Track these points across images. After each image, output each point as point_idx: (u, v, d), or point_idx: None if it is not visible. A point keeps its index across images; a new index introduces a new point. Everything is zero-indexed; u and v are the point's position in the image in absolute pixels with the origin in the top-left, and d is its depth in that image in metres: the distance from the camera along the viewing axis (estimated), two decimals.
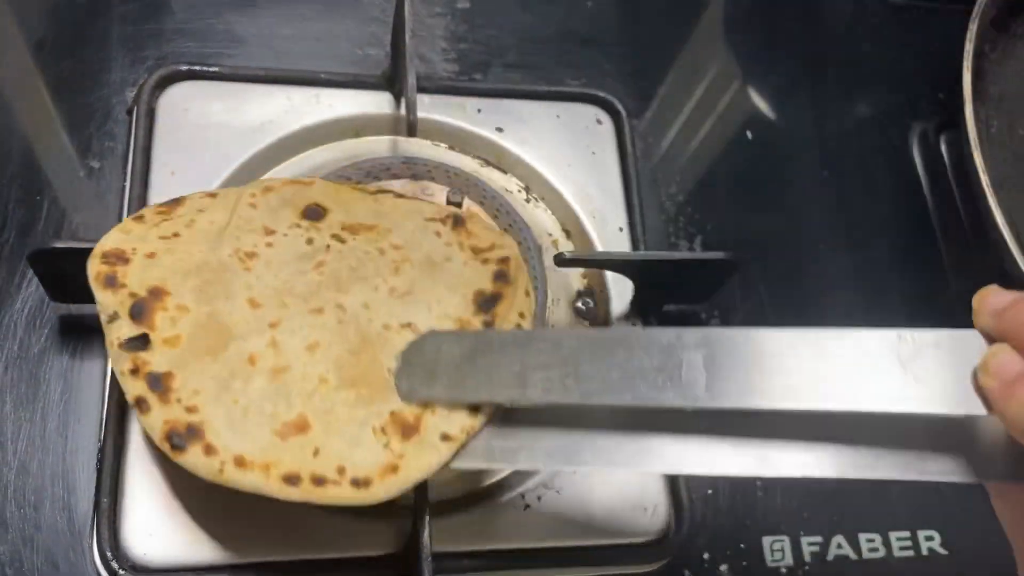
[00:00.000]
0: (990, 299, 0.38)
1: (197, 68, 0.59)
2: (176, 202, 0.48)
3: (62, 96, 0.59)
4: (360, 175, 0.55)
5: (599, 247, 0.60)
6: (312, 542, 0.48)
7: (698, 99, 0.70)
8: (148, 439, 0.48)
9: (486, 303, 0.47)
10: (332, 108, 0.60)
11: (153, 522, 0.47)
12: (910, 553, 0.56)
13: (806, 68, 0.74)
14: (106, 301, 0.44)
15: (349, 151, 0.60)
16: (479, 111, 0.63)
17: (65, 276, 0.48)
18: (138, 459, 0.48)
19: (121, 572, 0.45)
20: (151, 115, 0.57)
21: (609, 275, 0.59)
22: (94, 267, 0.45)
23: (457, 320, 0.46)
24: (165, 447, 0.41)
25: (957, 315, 0.65)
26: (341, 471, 0.41)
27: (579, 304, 0.59)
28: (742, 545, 0.55)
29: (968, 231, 0.67)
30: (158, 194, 0.54)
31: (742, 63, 0.73)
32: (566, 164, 0.63)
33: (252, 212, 0.48)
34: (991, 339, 0.37)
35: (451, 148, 0.62)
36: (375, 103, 0.61)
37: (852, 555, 0.56)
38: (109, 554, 0.45)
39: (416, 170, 0.56)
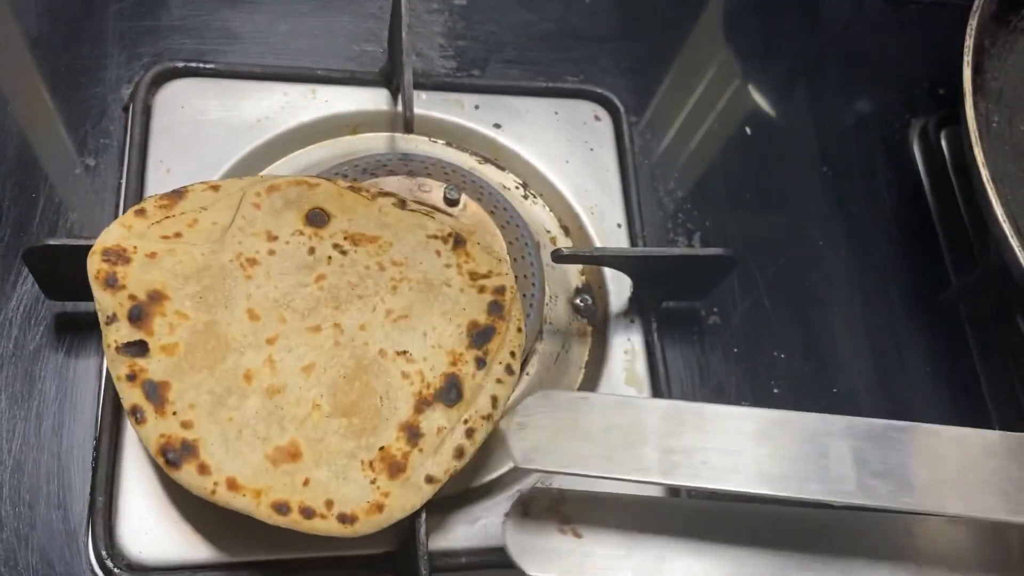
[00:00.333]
0: None
1: (193, 65, 0.59)
2: (178, 194, 0.48)
3: (58, 93, 0.58)
4: (357, 172, 0.55)
5: (597, 244, 0.60)
6: (308, 541, 0.47)
7: (697, 95, 0.70)
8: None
9: (479, 337, 0.48)
10: (329, 105, 0.60)
11: (148, 521, 0.47)
12: None
13: (805, 64, 0.74)
14: (105, 301, 0.44)
15: (346, 148, 0.60)
16: (477, 107, 0.62)
17: (60, 274, 0.48)
18: (133, 457, 0.48)
19: (116, 571, 0.45)
20: (147, 112, 0.57)
21: (608, 271, 0.59)
22: (94, 265, 0.45)
23: (450, 353, 0.47)
24: (160, 461, 0.42)
25: (958, 312, 0.65)
26: (329, 505, 0.43)
27: (577, 301, 0.59)
28: None
29: (968, 227, 0.67)
30: (154, 191, 0.54)
31: (741, 59, 0.73)
32: (564, 160, 0.62)
33: (255, 213, 0.48)
34: None
35: (448, 145, 0.62)
36: (372, 100, 0.61)
37: None
38: (104, 552, 0.45)
39: (413, 167, 0.56)
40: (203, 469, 0.42)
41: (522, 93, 0.64)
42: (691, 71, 0.71)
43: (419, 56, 0.65)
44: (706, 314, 0.61)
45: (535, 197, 0.62)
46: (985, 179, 0.54)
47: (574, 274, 0.60)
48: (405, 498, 0.43)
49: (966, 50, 0.58)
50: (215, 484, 0.42)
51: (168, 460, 0.42)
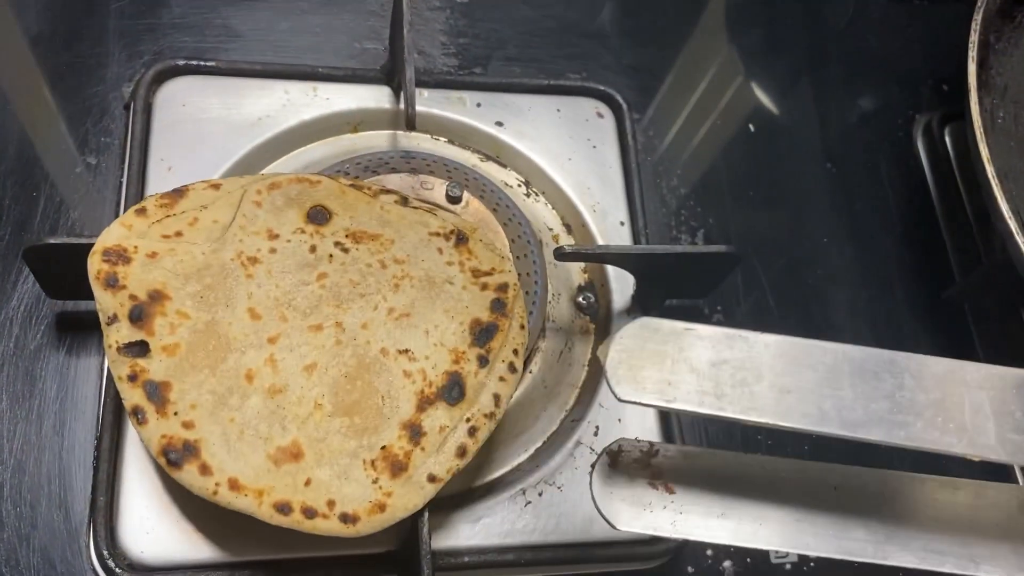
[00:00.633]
0: None
1: (194, 63, 0.59)
2: (179, 193, 0.48)
3: (58, 92, 0.58)
4: (358, 170, 0.54)
5: (600, 241, 0.59)
6: (310, 540, 0.47)
7: (700, 92, 0.70)
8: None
9: (482, 335, 0.47)
10: (330, 102, 0.60)
11: (150, 520, 0.46)
12: None
13: (808, 60, 0.74)
14: (106, 302, 0.44)
15: (347, 146, 0.59)
16: (479, 105, 0.62)
17: (61, 272, 0.48)
18: (135, 457, 0.48)
19: (118, 571, 0.45)
20: (148, 110, 0.57)
21: (611, 269, 0.58)
22: (95, 265, 0.44)
23: (452, 351, 0.47)
24: (161, 461, 0.42)
25: (962, 309, 0.65)
26: (331, 505, 0.42)
27: (580, 299, 0.58)
28: None
29: (972, 223, 0.67)
30: (155, 190, 0.54)
31: (744, 55, 0.72)
32: (566, 158, 0.62)
33: (256, 211, 0.48)
34: None
35: (450, 142, 0.62)
36: (374, 97, 0.61)
37: None
38: (106, 552, 0.45)
39: (415, 164, 0.56)
40: (205, 469, 0.42)
41: (524, 90, 0.64)
42: (694, 68, 0.71)
43: (421, 54, 0.65)
44: (709, 312, 0.61)
45: (537, 195, 0.62)
46: (990, 175, 0.54)
47: (576, 272, 0.60)
48: (407, 497, 0.43)
49: (971, 45, 0.58)
50: (217, 484, 0.42)
51: (170, 460, 0.42)
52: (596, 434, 0.54)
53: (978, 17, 0.60)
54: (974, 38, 0.59)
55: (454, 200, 0.54)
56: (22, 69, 0.59)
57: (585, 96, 0.65)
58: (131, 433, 0.48)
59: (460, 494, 0.51)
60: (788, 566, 0.54)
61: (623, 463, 0.40)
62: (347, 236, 0.48)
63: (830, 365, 0.36)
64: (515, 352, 0.48)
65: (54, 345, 0.51)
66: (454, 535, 0.49)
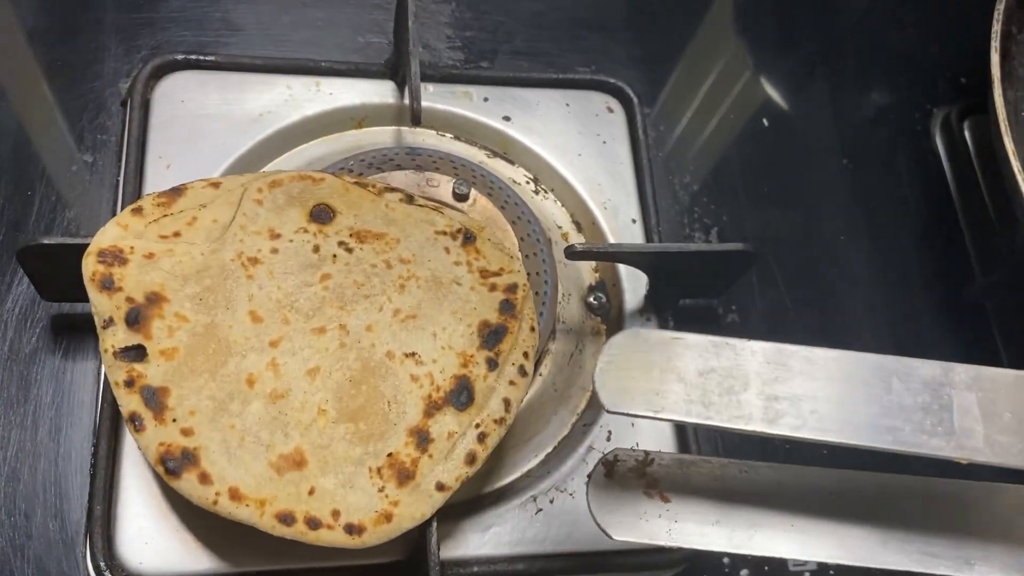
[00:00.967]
0: None
1: (193, 57, 0.57)
2: (176, 191, 0.46)
3: (54, 88, 0.57)
4: (362, 167, 0.53)
5: (611, 239, 0.58)
6: (313, 550, 0.45)
7: (712, 85, 0.68)
8: None
9: (491, 337, 0.46)
10: (333, 98, 0.58)
11: (148, 530, 0.45)
12: None
13: (822, 53, 0.72)
14: (101, 305, 0.42)
15: (351, 142, 0.58)
16: (485, 100, 0.61)
17: (56, 274, 0.46)
18: (133, 464, 0.46)
19: None
20: (146, 106, 0.55)
21: (623, 268, 0.57)
22: (89, 266, 0.43)
23: (460, 354, 0.45)
24: (159, 470, 0.41)
25: (984, 308, 0.63)
26: (335, 515, 0.41)
27: (591, 299, 0.57)
28: None
29: (994, 219, 0.65)
30: (153, 188, 0.52)
31: (756, 48, 0.71)
32: (576, 154, 0.60)
33: (257, 209, 0.47)
34: None
35: (457, 138, 0.60)
36: (378, 92, 0.59)
37: None
38: (103, 563, 0.43)
39: (421, 161, 0.54)
40: (204, 478, 0.40)
41: (532, 85, 0.62)
42: (705, 61, 0.69)
43: (426, 47, 0.63)
44: (724, 312, 0.60)
45: (546, 192, 0.60)
46: (1016, 170, 0.52)
47: (587, 271, 0.58)
48: (415, 507, 0.42)
49: (993, 35, 0.56)
50: (217, 494, 0.40)
51: (168, 469, 0.40)
52: (609, 439, 0.52)
53: (1000, 7, 0.58)
54: (997, 28, 0.57)
55: (461, 198, 0.53)
56: (17, 64, 0.57)
57: (595, 90, 0.63)
58: (129, 440, 0.46)
59: (469, 501, 0.49)
60: (807, 574, 0.52)
61: (619, 472, 0.40)
62: (351, 235, 0.47)
63: (818, 371, 0.36)
64: (525, 355, 0.46)
65: (49, 349, 0.49)
66: (463, 544, 0.48)
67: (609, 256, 0.54)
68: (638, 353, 0.36)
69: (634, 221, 0.59)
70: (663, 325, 0.56)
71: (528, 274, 0.50)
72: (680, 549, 0.49)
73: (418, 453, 0.42)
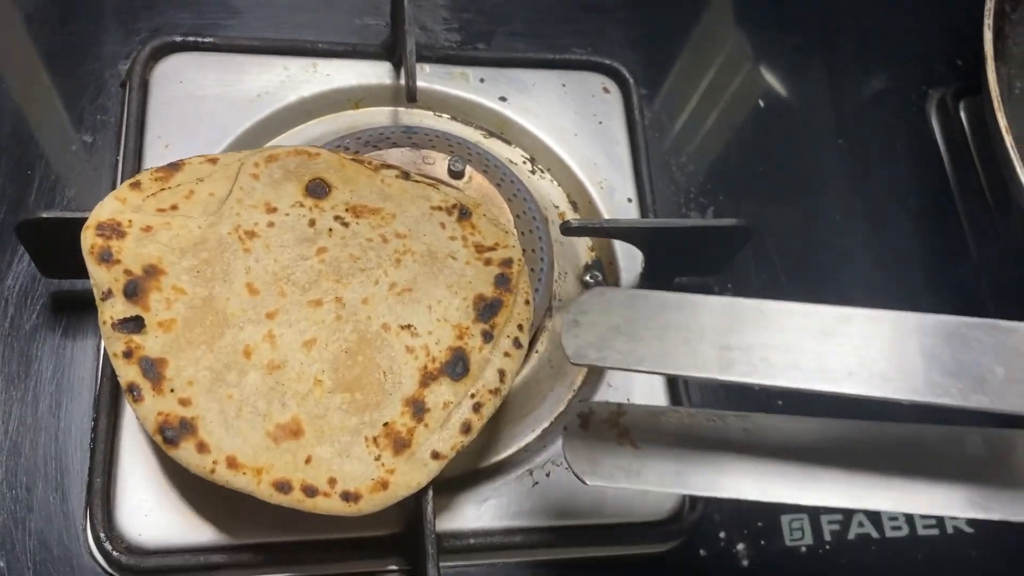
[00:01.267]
0: None
1: (191, 39, 0.58)
2: (174, 167, 0.47)
3: (54, 69, 0.57)
4: (359, 145, 0.53)
5: (607, 218, 0.58)
6: (313, 522, 0.46)
7: (708, 67, 0.68)
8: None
9: (486, 310, 0.46)
10: (330, 79, 0.59)
11: (148, 502, 0.45)
12: (935, 532, 0.54)
13: (819, 35, 0.72)
14: (100, 277, 0.43)
15: (348, 122, 0.58)
16: (482, 80, 0.61)
17: (55, 249, 0.47)
18: (132, 438, 0.47)
19: (115, 554, 0.44)
20: (144, 87, 0.56)
21: (618, 246, 0.57)
22: (88, 239, 0.43)
23: (456, 326, 0.45)
24: (158, 439, 0.41)
25: (979, 286, 0.63)
26: (332, 483, 0.41)
27: (587, 278, 0.57)
28: (759, 523, 0.53)
29: (989, 199, 0.65)
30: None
31: (753, 28, 0.71)
32: (572, 134, 0.61)
33: (254, 184, 0.47)
34: None
35: (453, 119, 0.60)
36: (375, 73, 0.59)
37: (874, 533, 0.54)
38: (103, 535, 0.44)
39: (417, 139, 0.54)
40: (202, 447, 0.41)
41: (529, 65, 0.62)
42: (702, 43, 0.69)
43: (423, 29, 0.63)
44: (720, 291, 0.60)
45: (543, 172, 0.60)
46: (1009, 145, 0.52)
47: (584, 249, 0.58)
48: (410, 475, 0.42)
49: (987, 13, 0.56)
50: (214, 462, 0.41)
51: (166, 438, 0.41)
52: None
53: None
54: (990, 6, 0.57)
55: (456, 175, 0.53)
56: (17, 47, 0.58)
57: (591, 71, 0.63)
58: (129, 414, 0.47)
59: (466, 475, 0.49)
60: (803, 548, 0.52)
61: (593, 424, 0.42)
62: (347, 210, 0.47)
63: (769, 323, 0.37)
64: (520, 328, 0.46)
65: (50, 325, 0.50)
66: (460, 517, 0.48)
67: (604, 232, 0.55)
68: (603, 310, 0.38)
69: (630, 200, 0.59)
70: None
71: (524, 251, 0.50)
72: (683, 521, 0.50)
73: (414, 422, 0.43)
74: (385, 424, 0.43)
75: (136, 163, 0.53)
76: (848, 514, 0.54)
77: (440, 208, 0.48)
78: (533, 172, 0.60)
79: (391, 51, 0.59)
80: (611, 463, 0.40)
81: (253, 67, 0.58)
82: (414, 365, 0.44)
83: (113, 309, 0.42)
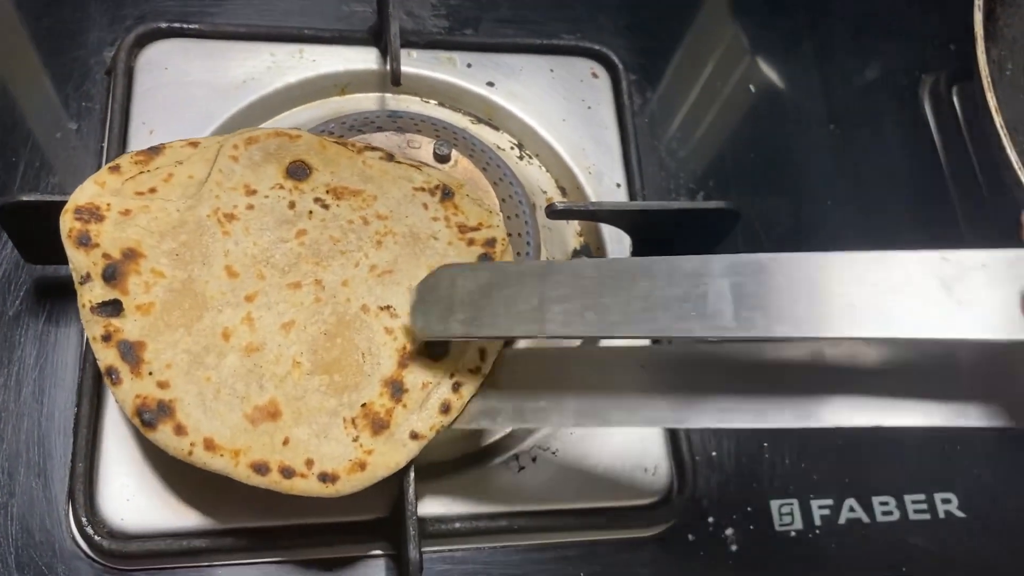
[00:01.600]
0: None
1: (177, 26, 0.57)
2: (155, 150, 0.47)
3: (39, 56, 0.57)
4: (343, 129, 0.53)
5: None
6: (295, 507, 0.45)
7: (698, 52, 0.68)
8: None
9: None
10: (316, 64, 0.58)
11: (130, 487, 0.45)
12: (926, 516, 0.54)
13: (811, 18, 0.71)
14: (79, 261, 0.43)
15: (334, 108, 0.58)
16: (469, 65, 0.61)
17: (37, 235, 0.46)
18: (115, 424, 0.46)
19: (97, 539, 0.44)
20: (129, 74, 0.55)
21: (606, 231, 0.57)
22: (66, 223, 0.43)
23: None
24: (136, 422, 0.41)
25: None
26: (309, 464, 0.41)
27: None
28: (749, 508, 0.52)
29: (982, 184, 0.65)
30: None
31: (743, 15, 0.70)
32: (560, 119, 0.60)
33: (233, 166, 0.47)
34: None
35: (441, 105, 0.60)
36: (361, 59, 0.59)
37: (865, 518, 0.53)
38: (85, 519, 0.44)
39: (402, 123, 0.54)
40: (180, 430, 0.40)
41: (516, 50, 0.62)
42: (692, 28, 0.69)
43: (410, 15, 0.63)
44: None
45: (531, 157, 0.60)
46: (999, 125, 0.52)
47: (571, 235, 0.58)
48: (389, 455, 0.42)
49: None
50: (192, 445, 0.40)
51: (144, 421, 0.40)
52: None
53: None
54: None
55: (442, 159, 0.53)
56: (3, 33, 0.58)
57: (579, 56, 0.63)
58: (111, 400, 0.47)
59: (452, 460, 0.49)
60: (793, 533, 0.52)
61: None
62: (328, 192, 0.47)
63: (591, 276, 0.39)
64: None
65: (33, 311, 0.50)
66: (445, 502, 0.48)
67: (590, 215, 0.54)
68: (449, 285, 0.42)
69: (619, 186, 0.59)
70: None
71: (510, 235, 0.50)
72: (670, 504, 0.50)
73: (392, 403, 0.42)
74: (363, 405, 0.42)
75: (120, 149, 0.53)
76: (839, 499, 0.53)
77: (423, 189, 0.48)
78: (521, 158, 0.60)
79: (377, 36, 0.59)
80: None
81: (239, 53, 0.58)
82: (393, 346, 0.44)
83: (92, 293, 0.42)
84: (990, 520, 0.55)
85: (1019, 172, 0.50)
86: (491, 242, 0.47)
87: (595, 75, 0.63)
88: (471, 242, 0.47)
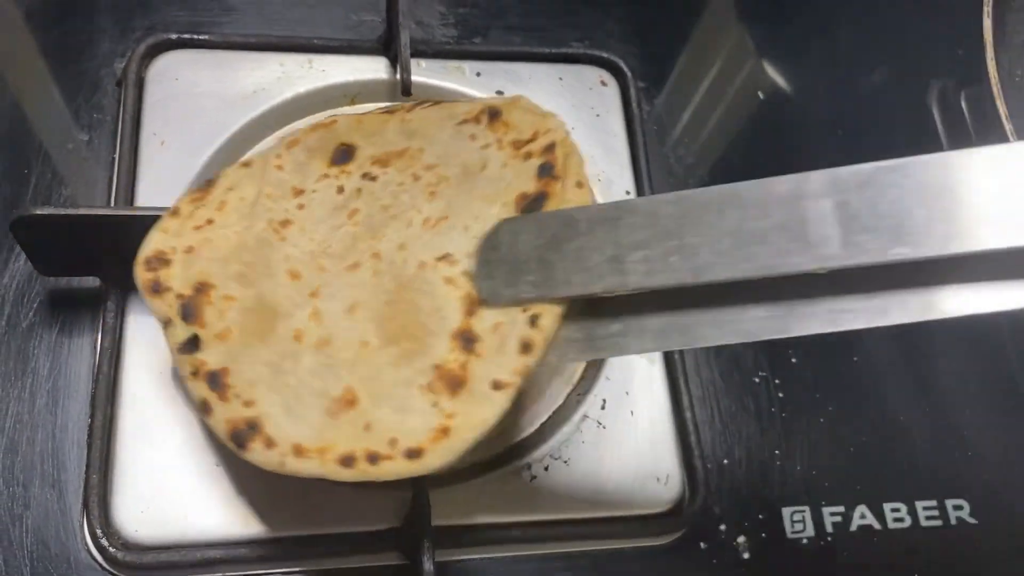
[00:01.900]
0: None
1: (187, 36, 0.58)
2: (209, 183, 0.47)
3: (50, 68, 0.57)
4: None
5: None
6: (310, 517, 0.46)
7: (707, 59, 0.68)
8: (140, 414, 0.47)
9: (530, 207, 0.41)
10: (326, 75, 0.58)
11: (145, 499, 0.45)
12: (937, 523, 0.54)
13: (819, 26, 0.72)
14: (157, 308, 0.43)
15: None
16: (478, 74, 0.61)
17: (51, 247, 0.47)
18: (129, 435, 0.46)
19: (112, 550, 0.44)
20: (140, 85, 0.56)
21: None
22: (139, 277, 0.43)
23: None
24: (231, 446, 0.40)
25: None
26: (393, 443, 0.38)
27: None
28: (760, 516, 0.52)
29: None
30: (148, 165, 0.53)
31: (752, 23, 0.71)
32: (569, 127, 0.59)
33: (280, 176, 0.47)
34: None
35: None
36: (371, 68, 0.59)
37: (876, 525, 0.53)
38: (99, 531, 0.44)
39: None
40: (269, 443, 0.39)
41: (525, 59, 0.62)
42: (701, 35, 0.69)
43: (419, 24, 0.63)
44: None
45: None
46: (1009, 132, 0.52)
47: None
48: (473, 413, 0.37)
49: (985, 1, 0.56)
50: (282, 455, 0.39)
51: (238, 444, 0.39)
52: (603, 407, 0.52)
53: None
54: None
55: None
56: (13, 45, 0.58)
57: (588, 64, 0.63)
58: (125, 411, 0.47)
59: (463, 469, 0.49)
60: (804, 540, 0.52)
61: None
62: (373, 163, 0.46)
63: (669, 214, 0.35)
64: None
65: (47, 323, 0.50)
66: (457, 511, 0.48)
67: None
68: (512, 241, 0.39)
69: (628, 193, 0.59)
70: None
71: None
72: (682, 514, 0.50)
73: (465, 356, 0.39)
74: (436, 366, 0.39)
75: (132, 160, 0.53)
76: (850, 506, 0.53)
77: (467, 120, 0.46)
78: None
79: (387, 46, 0.59)
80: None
81: (248, 64, 0.58)
82: (455, 295, 0.40)
83: (175, 335, 0.42)
84: (1002, 526, 0.55)
85: None
86: (550, 148, 0.43)
87: (604, 83, 0.63)
88: (528, 155, 0.43)
